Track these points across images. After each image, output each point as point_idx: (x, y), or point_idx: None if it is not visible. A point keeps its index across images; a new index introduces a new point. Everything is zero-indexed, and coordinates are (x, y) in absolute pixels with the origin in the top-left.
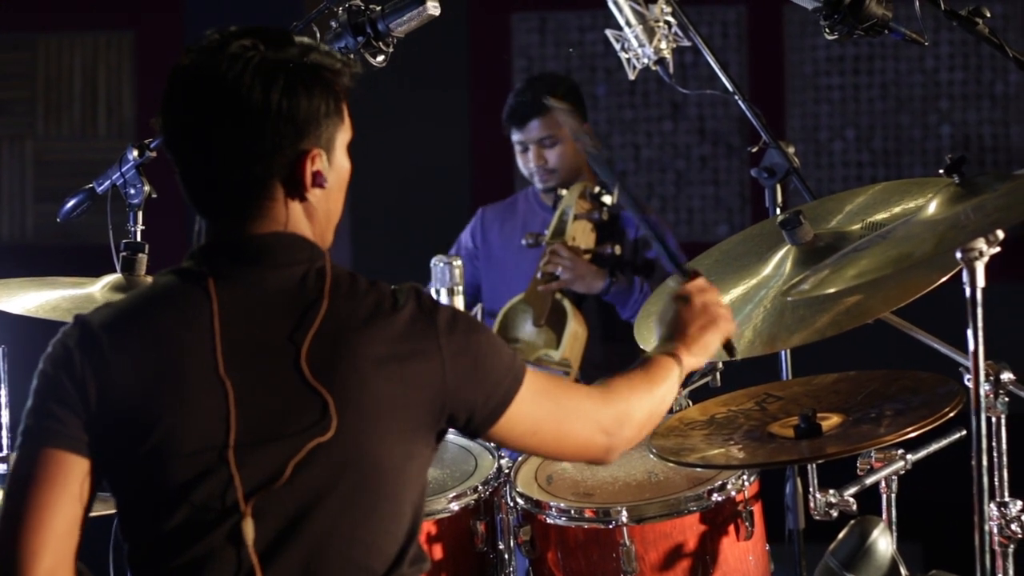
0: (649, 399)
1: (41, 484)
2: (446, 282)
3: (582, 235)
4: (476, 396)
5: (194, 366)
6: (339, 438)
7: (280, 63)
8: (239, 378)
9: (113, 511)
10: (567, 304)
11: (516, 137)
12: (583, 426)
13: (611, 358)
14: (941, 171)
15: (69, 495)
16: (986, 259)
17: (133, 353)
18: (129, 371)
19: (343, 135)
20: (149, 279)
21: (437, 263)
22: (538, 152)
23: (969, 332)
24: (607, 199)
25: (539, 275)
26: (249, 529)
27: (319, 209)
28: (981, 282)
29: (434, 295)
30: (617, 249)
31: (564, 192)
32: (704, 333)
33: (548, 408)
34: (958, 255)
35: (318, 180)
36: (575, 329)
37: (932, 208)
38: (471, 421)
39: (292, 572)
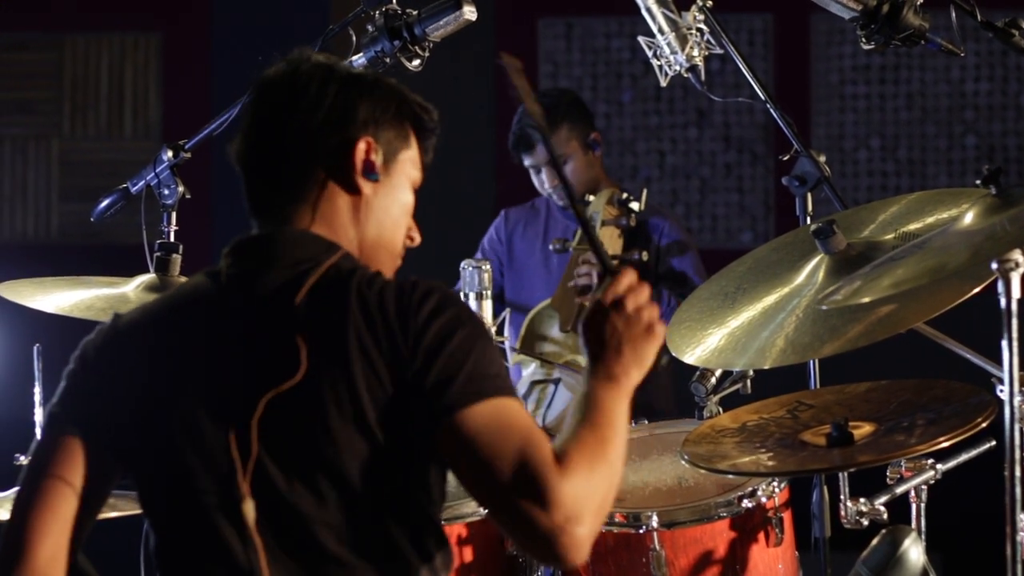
0: (609, 475)
1: (52, 470)
2: (475, 286)
3: (609, 241)
4: (444, 354)
5: (209, 359)
6: (304, 394)
7: (355, 76)
8: (237, 368)
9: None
10: None
11: (527, 162)
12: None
13: None
14: (978, 182)
15: (78, 483)
16: (1022, 270)
17: (152, 351)
18: (151, 365)
19: (409, 158)
20: (183, 279)
21: (466, 267)
22: (551, 173)
23: (1004, 343)
24: (634, 205)
25: (571, 284)
26: (250, 510)
27: (371, 211)
28: (1017, 293)
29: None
30: (644, 255)
31: (591, 198)
32: (642, 345)
33: (522, 438)
34: (993, 266)
35: (368, 168)
36: None
37: (968, 219)
38: (444, 393)
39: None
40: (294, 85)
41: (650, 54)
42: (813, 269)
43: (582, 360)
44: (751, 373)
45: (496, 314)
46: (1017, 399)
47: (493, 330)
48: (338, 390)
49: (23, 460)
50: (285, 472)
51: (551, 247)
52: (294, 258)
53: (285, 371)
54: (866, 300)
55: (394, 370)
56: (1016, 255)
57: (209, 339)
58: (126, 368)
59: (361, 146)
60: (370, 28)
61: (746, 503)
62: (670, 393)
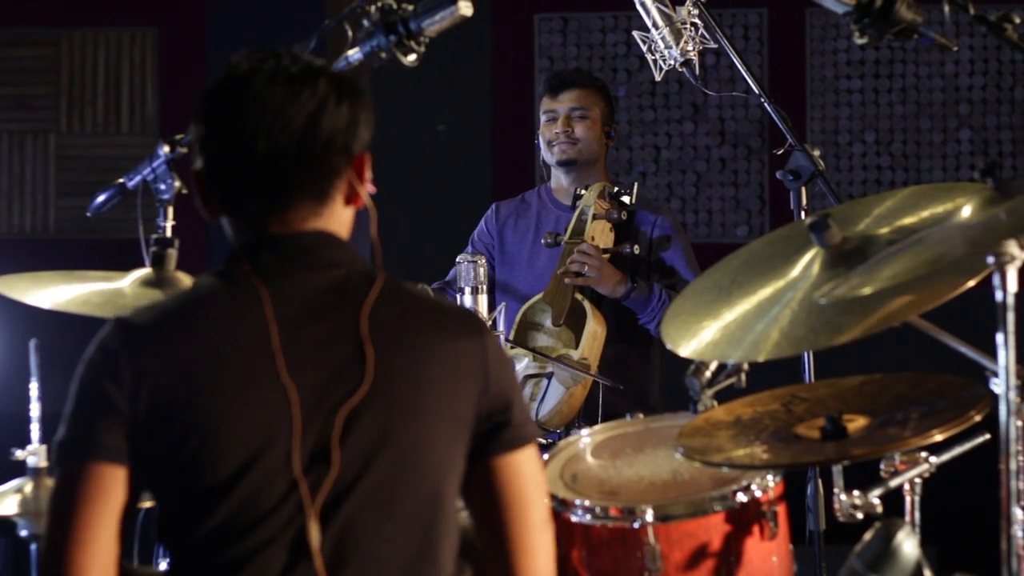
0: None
1: (85, 502)
2: (470, 281)
3: (601, 235)
4: (515, 399)
5: (247, 362)
6: (376, 403)
7: (347, 79)
8: (298, 373)
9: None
10: (586, 303)
11: (548, 106)
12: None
13: (626, 358)
14: (975, 175)
15: (112, 509)
16: (1019, 263)
17: (180, 349)
18: (176, 367)
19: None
20: (180, 274)
21: (461, 262)
22: (566, 120)
23: (999, 337)
24: (626, 199)
25: (561, 272)
26: (315, 534)
27: (349, 222)
28: (1013, 287)
29: (458, 294)
30: (636, 249)
31: (583, 192)
32: None
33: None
34: (990, 260)
35: (369, 181)
36: (594, 328)
37: (966, 212)
38: (507, 425)
39: (330, 561)
40: (314, 90)
41: (645, 49)
42: (808, 263)
43: (575, 354)
44: (746, 366)
45: (491, 309)
46: (1012, 393)
47: (488, 324)
48: (407, 405)
49: (19, 455)
50: (352, 490)
51: (543, 241)
52: (328, 260)
53: (352, 385)
54: (867, 292)
55: (468, 399)
56: (1012, 248)
57: (257, 345)
58: (157, 372)
59: (367, 159)
60: (366, 23)
61: (741, 497)
62: (660, 387)
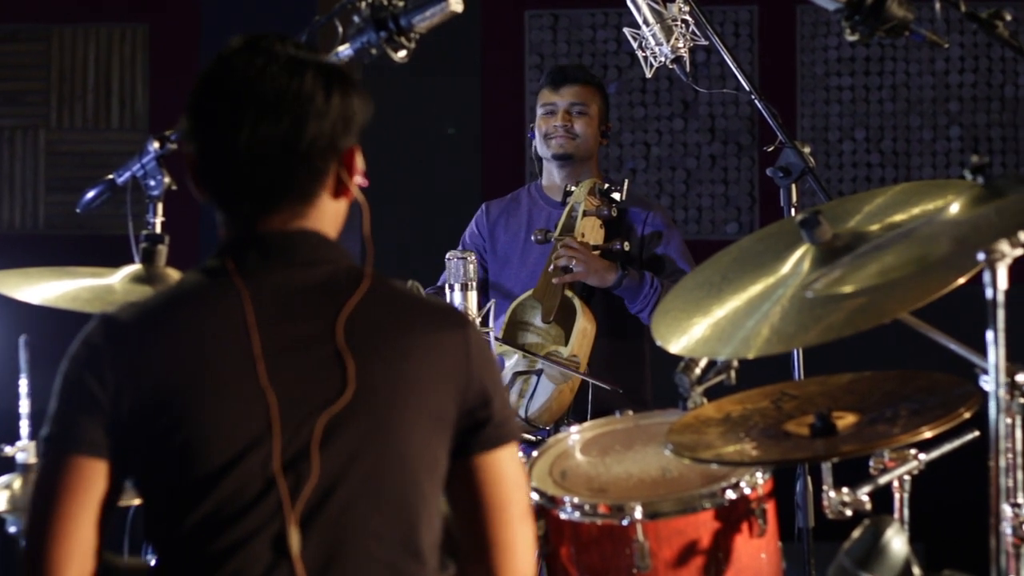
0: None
1: (65, 494)
2: (460, 277)
3: (591, 231)
4: (496, 396)
5: (228, 362)
6: (358, 410)
7: (337, 69)
8: (277, 376)
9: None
10: (576, 300)
11: (548, 99)
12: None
13: (617, 354)
14: (966, 172)
15: (91, 502)
16: (1009, 261)
17: (163, 348)
18: (159, 366)
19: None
20: (169, 270)
21: (451, 258)
22: (566, 115)
23: (989, 334)
24: (616, 195)
25: (550, 268)
26: (295, 539)
27: (340, 215)
28: (1003, 284)
29: (448, 291)
30: (626, 245)
31: (573, 189)
32: None
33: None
34: (980, 256)
35: (360, 173)
36: (584, 325)
37: (955, 209)
38: (488, 423)
39: (315, 560)
40: (299, 87)
41: (635, 45)
42: (799, 259)
43: (564, 351)
44: (736, 363)
45: (480, 306)
46: (1002, 390)
47: (478, 321)
48: (389, 406)
49: (8, 451)
50: (335, 490)
51: (533, 238)
52: (312, 259)
53: (332, 388)
54: (850, 289)
55: (450, 396)
56: (1003, 245)
57: (237, 343)
58: (139, 368)
59: (358, 151)
60: (356, 19)
61: (730, 494)
62: (651, 384)
